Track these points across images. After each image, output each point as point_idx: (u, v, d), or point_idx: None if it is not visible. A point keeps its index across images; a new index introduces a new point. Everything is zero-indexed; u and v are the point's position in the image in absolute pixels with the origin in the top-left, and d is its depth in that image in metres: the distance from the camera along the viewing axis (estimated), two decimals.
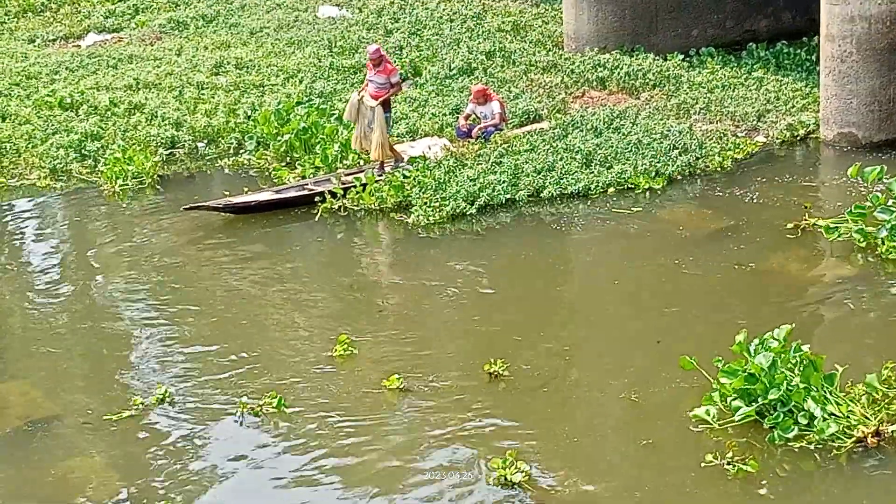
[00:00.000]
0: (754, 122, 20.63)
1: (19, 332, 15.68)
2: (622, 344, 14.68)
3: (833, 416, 12.31)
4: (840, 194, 18.14)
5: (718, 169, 19.13)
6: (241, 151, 20.85)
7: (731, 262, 16.26)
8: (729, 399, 12.73)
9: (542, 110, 21.18)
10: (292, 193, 18.80)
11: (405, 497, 12.11)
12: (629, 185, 18.51)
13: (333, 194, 18.47)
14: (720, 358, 12.98)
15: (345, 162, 19.48)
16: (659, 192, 18.47)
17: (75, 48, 26.47)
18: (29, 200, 19.81)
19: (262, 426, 13.27)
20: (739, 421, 12.60)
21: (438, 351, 14.68)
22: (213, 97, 22.65)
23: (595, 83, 22.43)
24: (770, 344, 12.78)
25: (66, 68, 24.65)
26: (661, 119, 20.40)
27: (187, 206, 18.51)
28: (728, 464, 12.10)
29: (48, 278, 17.16)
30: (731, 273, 16.00)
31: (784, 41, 23.70)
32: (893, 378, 12.96)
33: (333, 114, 20.85)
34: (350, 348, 14.46)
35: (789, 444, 12.33)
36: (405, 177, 18.68)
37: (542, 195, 18.40)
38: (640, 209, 18.00)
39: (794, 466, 12.18)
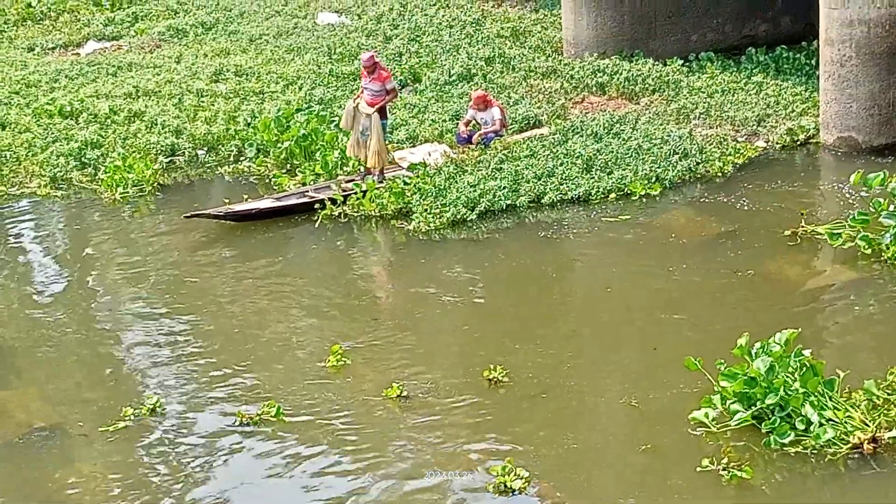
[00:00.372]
0: (754, 127, 20.63)
1: (20, 339, 15.67)
2: (622, 349, 14.67)
3: (830, 422, 12.30)
4: (841, 200, 18.11)
5: (719, 174, 19.13)
6: (242, 159, 20.85)
7: (731, 267, 16.25)
8: (728, 403, 12.73)
9: (542, 116, 21.18)
10: (293, 201, 18.79)
11: None
12: (629, 191, 18.50)
13: (334, 201, 18.47)
14: (722, 361, 12.98)
15: (345, 169, 19.48)
16: (659, 197, 18.47)
17: (75, 56, 26.48)
18: (29, 209, 19.80)
19: (261, 435, 13.25)
20: (736, 425, 12.62)
21: (437, 357, 14.67)
22: (213, 104, 22.65)
23: (595, 88, 22.43)
24: (772, 348, 12.78)
25: (66, 76, 24.66)
26: (661, 124, 20.40)
27: (188, 214, 18.51)
28: (723, 469, 12.10)
29: (49, 286, 17.16)
30: (731, 278, 15.99)
31: (783, 46, 23.71)
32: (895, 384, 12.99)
33: (333, 120, 20.85)
34: (343, 358, 14.41)
35: (785, 448, 12.33)
36: (405, 183, 18.68)
37: (542, 201, 18.40)
38: (641, 215, 18.00)
39: (789, 472, 12.18)
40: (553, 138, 19.98)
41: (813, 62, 22.43)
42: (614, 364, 14.32)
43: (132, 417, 13.61)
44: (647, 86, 22.20)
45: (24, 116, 22.62)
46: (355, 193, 18.61)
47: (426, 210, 18.10)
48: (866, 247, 16.11)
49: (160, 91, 23.43)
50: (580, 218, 18.00)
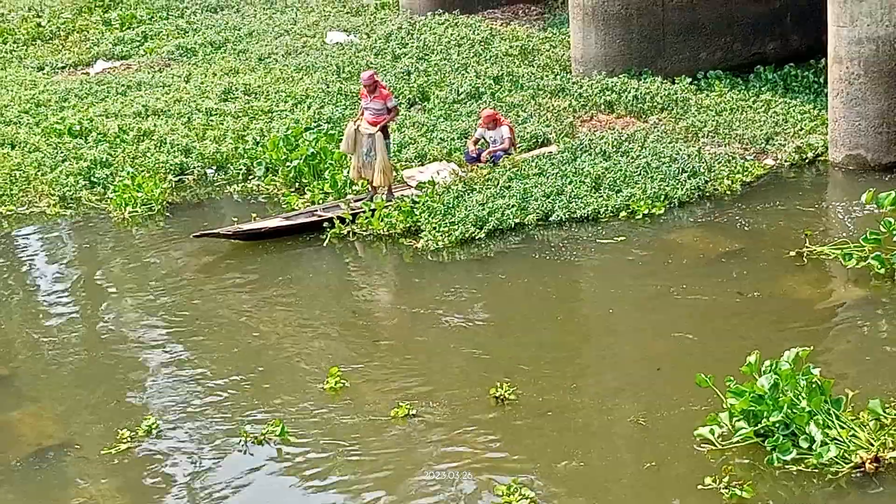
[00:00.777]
0: (763, 145, 20.63)
1: (30, 358, 15.69)
2: (630, 368, 14.64)
3: (835, 441, 12.28)
4: (849, 219, 18.08)
5: (727, 192, 19.12)
6: (251, 177, 20.88)
7: (740, 286, 16.21)
8: (734, 420, 12.73)
9: (551, 134, 21.20)
10: (302, 220, 18.81)
11: None
12: (635, 209, 18.48)
13: (343, 220, 18.48)
14: (731, 378, 12.97)
15: (354, 188, 19.49)
16: (668, 215, 18.46)
17: (84, 75, 26.56)
18: (39, 228, 19.85)
19: (267, 454, 13.23)
20: (738, 442, 12.61)
21: (444, 376, 14.64)
22: (222, 123, 22.69)
23: (603, 107, 22.46)
24: (782, 366, 12.77)
25: (75, 95, 24.73)
26: (670, 142, 20.41)
27: (197, 233, 18.54)
28: (725, 488, 12.08)
29: (58, 305, 17.18)
30: (740, 297, 15.96)
31: (792, 64, 23.72)
32: None
33: (342, 139, 20.84)
34: (342, 381, 14.35)
35: (788, 466, 12.30)
36: (414, 202, 18.70)
37: (551, 219, 18.40)
38: (650, 233, 17.99)
39: (791, 490, 12.12)
40: (561, 157, 19.99)
41: (821, 80, 22.45)
42: (621, 382, 14.29)
43: (131, 438, 13.56)
44: (655, 104, 22.22)
45: (33, 136, 22.69)
46: (364, 212, 18.63)
47: (435, 228, 18.11)
48: (879, 266, 16.05)
49: (169, 110, 23.49)
50: (589, 236, 17.98)
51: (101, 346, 15.90)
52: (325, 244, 18.26)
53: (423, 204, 18.64)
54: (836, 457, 12.17)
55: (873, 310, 15.51)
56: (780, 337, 14.55)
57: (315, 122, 22.15)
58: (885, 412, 12.68)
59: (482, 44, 25.94)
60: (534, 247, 17.80)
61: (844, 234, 17.28)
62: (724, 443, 12.64)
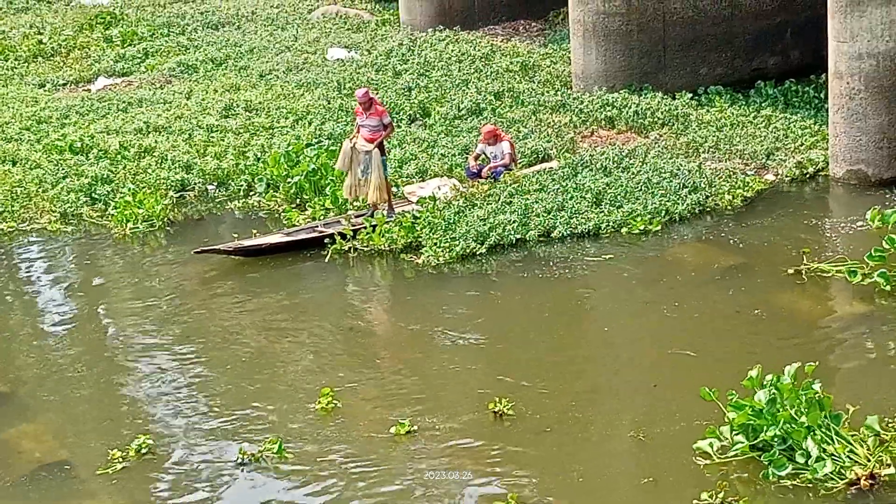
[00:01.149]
0: (763, 161, 20.64)
1: (30, 374, 15.68)
2: (630, 384, 14.64)
3: (832, 457, 12.27)
4: (851, 235, 18.04)
5: (728, 207, 19.11)
6: (252, 193, 20.88)
7: (740, 302, 16.21)
8: (733, 434, 12.74)
9: (552, 150, 21.21)
10: (302, 236, 18.81)
11: None
12: (635, 225, 18.48)
13: (343, 236, 18.48)
14: (734, 392, 12.97)
15: (355, 204, 19.49)
16: (669, 231, 18.46)
17: (85, 92, 26.58)
18: (40, 244, 19.84)
19: (264, 472, 13.20)
20: (736, 456, 12.61)
21: (442, 391, 14.63)
22: (223, 140, 22.71)
23: (604, 122, 22.47)
24: (784, 380, 12.77)
25: (77, 112, 24.75)
26: (671, 158, 20.41)
27: (198, 250, 18.53)
28: (720, 503, 12.06)
29: (58, 321, 17.17)
30: (740, 313, 15.95)
31: (792, 79, 23.73)
32: None
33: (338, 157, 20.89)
34: (334, 401, 14.28)
35: (782, 481, 12.30)
36: (415, 217, 18.71)
37: (552, 235, 18.40)
38: (650, 249, 17.99)
39: None
40: (562, 172, 20.00)
41: (822, 95, 22.46)
42: (621, 398, 14.30)
43: (129, 456, 13.54)
44: (656, 119, 22.23)
45: (34, 152, 22.70)
46: (365, 228, 18.63)
47: (436, 244, 18.11)
48: (885, 283, 16.00)
49: (170, 126, 23.50)
50: (590, 252, 17.97)
51: (102, 362, 15.89)
52: (326, 260, 18.26)
53: (424, 219, 18.65)
54: (831, 473, 12.17)
55: (874, 326, 15.49)
56: (780, 353, 14.52)
57: (316, 138, 22.16)
58: (884, 429, 12.68)
59: (483, 60, 25.96)
60: (534, 262, 17.80)
61: (845, 251, 17.25)
62: (721, 456, 12.64)
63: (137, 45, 29.27)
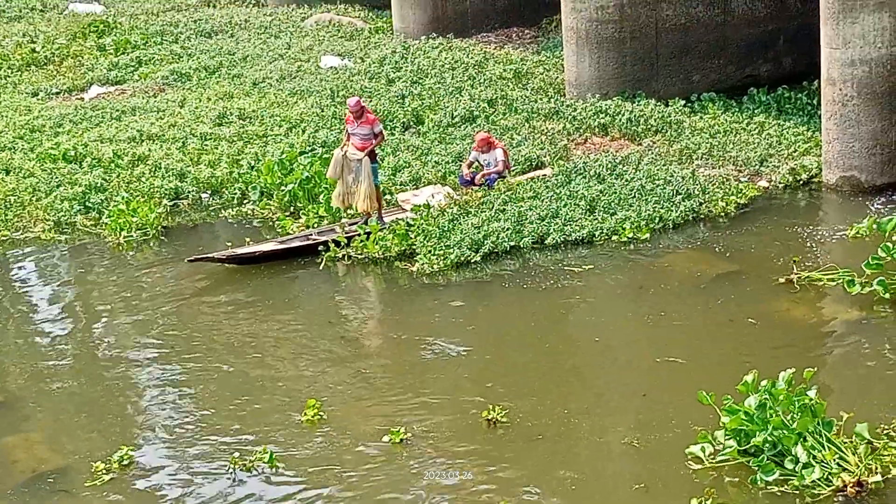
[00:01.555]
0: (757, 167, 20.66)
1: (25, 383, 15.67)
2: (623, 391, 14.64)
3: (821, 463, 12.28)
4: (846, 241, 18.04)
5: (722, 214, 19.14)
6: (245, 201, 20.89)
7: (733, 309, 16.22)
8: (725, 438, 12.76)
9: (545, 157, 21.23)
10: (296, 243, 18.81)
11: None
12: (630, 233, 18.49)
13: (337, 243, 18.48)
14: (729, 396, 12.98)
15: (349, 211, 19.49)
16: (661, 238, 18.47)
17: (78, 101, 26.58)
18: (33, 253, 19.82)
19: (255, 482, 13.19)
20: (726, 461, 12.64)
21: (436, 399, 14.61)
22: (217, 148, 22.71)
23: (597, 129, 22.49)
24: (778, 386, 12.79)
25: (70, 121, 24.75)
26: (664, 165, 20.42)
27: (191, 258, 18.53)
28: None
29: (52, 329, 17.16)
30: (734, 321, 15.96)
31: (785, 86, 23.78)
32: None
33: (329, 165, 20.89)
34: (319, 413, 14.24)
35: (770, 487, 12.32)
36: (409, 225, 18.71)
37: (546, 242, 18.41)
38: (644, 256, 18.00)
39: None
40: (556, 179, 20.01)
41: (815, 102, 22.50)
42: (615, 405, 14.31)
43: (122, 465, 13.52)
44: (649, 126, 22.25)
45: (28, 161, 22.70)
46: (359, 235, 18.63)
47: (430, 252, 18.11)
48: (883, 291, 15.99)
49: (164, 135, 23.50)
50: (583, 259, 17.98)
51: (96, 370, 15.88)
52: (320, 267, 18.26)
53: (418, 227, 18.65)
54: (819, 479, 12.18)
55: (869, 333, 15.48)
56: (774, 360, 14.50)
57: (309, 146, 22.17)
58: (877, 435, 12.70)
59: (476, 67, 25.98)
60: (528, 270, 17.80)
61: (838, 259, 17.26)
62: (711, 461, 12.67)
63: (131, 54, 29.30)
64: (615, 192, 19.36)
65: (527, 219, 18.76)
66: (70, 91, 27.54)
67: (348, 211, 19.39)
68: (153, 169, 21.89)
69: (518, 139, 21.97)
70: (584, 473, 12.96)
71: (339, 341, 16.30)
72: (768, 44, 24.43)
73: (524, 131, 22.41)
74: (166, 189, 21.14)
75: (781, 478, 12.34)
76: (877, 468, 12.25)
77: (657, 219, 18.76)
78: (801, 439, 12.43)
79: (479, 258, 18.06)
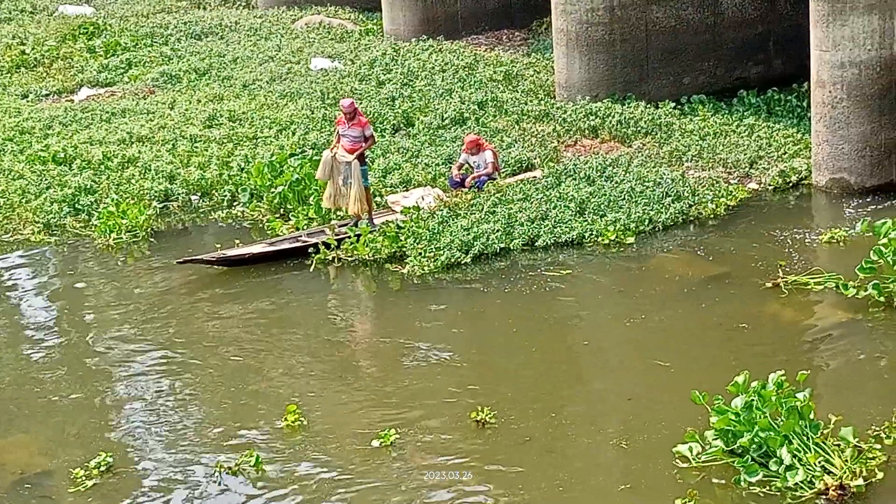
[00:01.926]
0: (746, 169, 20.69)
1: (13, 385, 15.63)
2: (612, 393, 14.66)
3: (805, 466, 12.29)
4: (836, 244, 18.07)
5: (711, 216, 19.16)
6: (235, 204, 20.87)
7: (725, 311, 16.24)
8: (712, 439, 12.80)
9: (535, 159, 21.23)
10: (286, 246, 18.80)
11: None
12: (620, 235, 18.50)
13: (327, 245, 18.48)
14: (720, 397, 13.00)
15: (338, 213, 19.48)
16: (652, 240, 18.48)
17: (68, 103, 26.53)
18: (23, 255, 19.79)
19: (242, 484, 13.18)
20: (712, 461, 12.67)
21: (425, 399, 14.63)
22: (207, 150, 22.68)
23: (587, 131, 22.49)
24: (768, 387, 12.82)
25: (60, 123, 24.69)
26: (654, 167, 20.44)
27: (181, 260, 18.51)
28: None
29: (41, 332, 17.13)
30: (723, 324, 15.97)
31: (775, 88, 23.81)
32: (886, 431, 12.98)
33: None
34: (300, 419, 14.20)
35: (753, 488, 12.36)
36: (399, 227, 18.71)
37: (536, 244, 18.42)
38: (633, 258, 18.01)
39: None
40: (546, 181, 20.01)
41: (804, 104, 22.53)
42: (603, 407, 14.33)
43: (108, 468, 13.52)
44: (639, 129, 22.27)
45: (17, 163, 22.65)
46: (349, 237, 18.62)
47: (420, 254, 18.11)
48: (878, 295, 15.98)
49: (154, 137, 23.47)
50: (573, 261, 18.00)
51: (84, 372, 15.85)
52: (310, 270, 18.25)
53: (409, 229, 18.65)
54: (802, 482, 12.20)
55: (859, 336, 15.52)
56: (763, 363, 14.50)
57: (300, 148, 22.15)
58: (865, 438, 12.71)
59: (466, 69, 25.98)
60: (518, 272, 17.80)
61: (823, 261, 17.31)
62: (699, 461, 12.70)
63: (120, 56, 29.22)
64: (605, 194, 19.37)
65: (517, 221, 18.77)
66: (60, 93, 27.49)
67: (338, 212, 19.37)
68: (143, 171, 21.85)
69: (508, 141, 21.97)
70: (571, 474, 12.98)
71: (328, 343, 16.29)
72: (758, 46, 24.46)
73: (514, 133, 22.41)
74: (156, 191, 21.11)
75: (765, 479, 12.38)
76: (861, 472, 12.26)
77: (647, 221, 18.78)
78: (787, 441, 12.45)
79: (469, 260, 18.07)
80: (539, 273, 17.65)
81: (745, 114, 22.83)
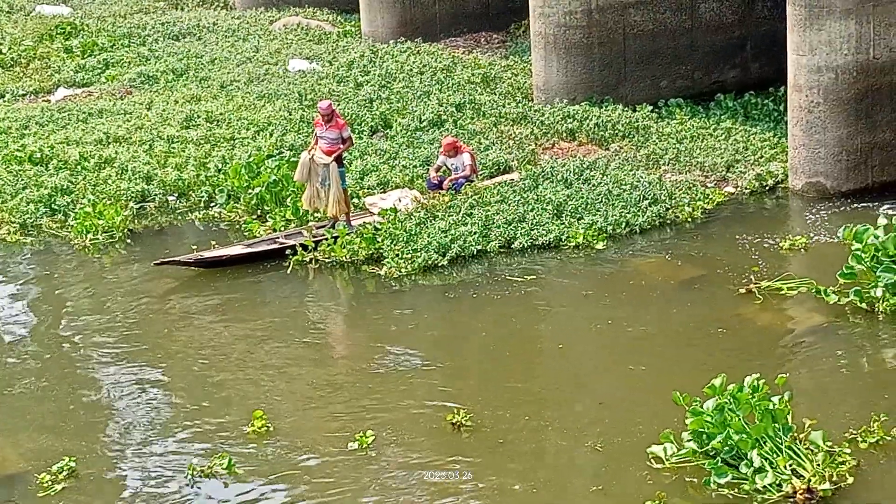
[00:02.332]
0: (723, 173, 20.74)
1: None
2: (588, 395, 14.70)
3: (774, 468, 12.33)
4: (811, 248, 18.14)
5: (688, 219, 19.21)
6: (212, 205, 20.84)
7: (701, 315, 16.29)
8: (685, 440, 12.84)
9: (513, 161, 21.25)
10: (263, 247, 18.78)
11: None
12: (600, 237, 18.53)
13: (305, 247, 18.47)
14: (698, 399, 13.04)
15: (316, 215, 19.46)
16: (629, 243, 18.51)
17: (45, 103, 26.44)
18: None
19: (215, 488, 13.17)
20: (684, 462, 12.73)
21: (401, 402, 14.63)
22: (184, 151, 22.63)
23: (564, 134, 22.52)
24: (744, 390, 12.88)
25: (36, 123, 24.60)
26: (631, 170, 20.48)
27: (158, 261, 18.48)
28: None
29: (17, 333, 17.08)
30: (700, 329, 16.02)
31: (752, 92, 23.86)
32: (861, 435, 13.04)
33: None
34: (266, 425, 14.16)
35: (722, 490, 12.39)
36: (377, 229, 18.71)
37: (513, 246, 18.44)
38: (610, 261, 18.04)
39: None
40: (523, 184, 20.03)
41: (781, 108, 22.58)
42: (580, 409, 14.36)
43: (84, 470, 13.49)
44: (616, 132, 22.31)
45: None
46: (326, 239, 18.61)
47: (397, 256, 18.11)
48: (859, 301, 16.01)
49: (131, 137, 23.40)
50: (549, 264, 18.02)
51: (60, 373, 15.82)
52: (287, 271, 18.23)
53: (386, 231, 18.65)
54: (770, 484, 12.24)
55: (835, 339, 15.56)
56: (739, 367, 14.50)
57: (277, 149, 22.13)
58: (839, 442, 12.76)
59: (444, 71, 25.98)
60: (495, 274, 17.82)
61: (798, 266, 17.35)
62: (671, 462, 12.75)
63: (98, 56, 29.13)
64: (582, 197, 19.40)
65: (494, 223, 18.78)
66: (37, 93, 27.40)
67: (315, 214, 19.36)
68: (120, 171, 21.79)
69: (486, 143, 21.98)
70: (545, 475, 13.00)
71: (304, 346, 16.28)
72: (735, 50, 24.52)
73: (492, 136, 22.43)
74: (133, 192, 21.06)
75: (734, 481, 12.43)
76: (831, 476, 12.30)
77: (623, 224, 18.81)
78: (759, 444, 12.49)
79: (446, 262, 18.08)
80: (515, 276, 17.66)
81: (723, 117, 22.89)
